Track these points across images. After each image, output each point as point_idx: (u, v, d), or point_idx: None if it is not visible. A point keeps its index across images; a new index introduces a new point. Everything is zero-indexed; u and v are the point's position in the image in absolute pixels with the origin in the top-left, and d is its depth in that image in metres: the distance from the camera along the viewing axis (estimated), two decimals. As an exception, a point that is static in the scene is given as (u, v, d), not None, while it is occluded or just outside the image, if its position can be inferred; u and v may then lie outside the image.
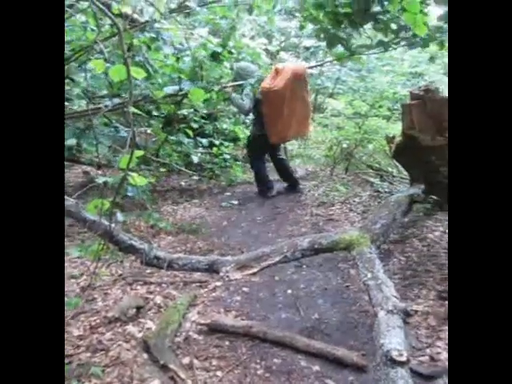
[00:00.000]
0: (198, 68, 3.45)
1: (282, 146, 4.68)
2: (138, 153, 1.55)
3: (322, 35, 3.34)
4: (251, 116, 4.35)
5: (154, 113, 4.18)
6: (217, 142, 4.65)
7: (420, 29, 2.32)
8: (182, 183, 4.85)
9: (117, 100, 3.22)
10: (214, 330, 2.10)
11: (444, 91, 2.07)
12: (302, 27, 3.54)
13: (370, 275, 1.81)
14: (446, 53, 5.73)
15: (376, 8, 2.61)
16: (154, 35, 3.09)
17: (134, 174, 1.64)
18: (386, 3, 2.55)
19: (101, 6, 1.52)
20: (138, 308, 2.26)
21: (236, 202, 4.19)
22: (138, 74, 1.40)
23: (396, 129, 3.70)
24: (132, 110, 1.41)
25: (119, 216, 2.77)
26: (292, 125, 3.93)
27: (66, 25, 2.94)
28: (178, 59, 3.53)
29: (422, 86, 2.02)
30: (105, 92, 3.57)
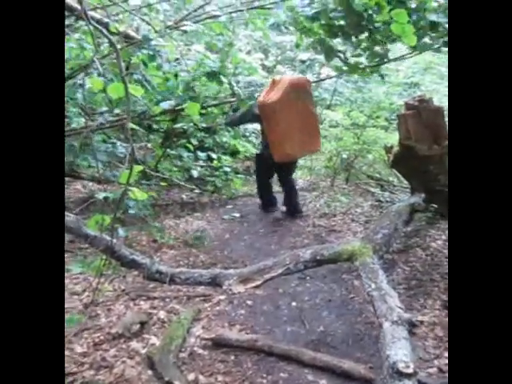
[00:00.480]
0: (194, 83, 3.46)
1: (295, 169, 4.30)
2: (138, 168, 1.56)
3: (318, 48, 3.37)
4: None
5: (155, 126, 4.21)
6: (215, 156, 4.66)
7: (409, 39, 2.30)
8: (184, 197, 4.85)
9: (114, 117, 3.25)
10: (218, 344, 2.08)
11: (439, 100, 2.09)
12: (297, 45, 3.54)
13: (373, 286, 1.81)
14: (440, 61, 5.81)
15: (368, 19, 2.62)
16: (151, 52, 3.11)
17: (135, 189, 1.65)
18: (374, 16, 2.55)
19: (97, 25, 1.55)
20: (142, 323, 2.24)
21: (238, 215, 4.19)
22: (136, 91, 1.42)
23: (394, 139, 3.71)
24: (131, 126, 1.42)
25: (121, 231, 2.78)
26: (296, 141, 3.56)
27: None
28: (176, 76, 3.57)
29: (417, 96, 2.04)
30: (104, 108, 3.60)
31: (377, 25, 2.62)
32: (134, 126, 1.57)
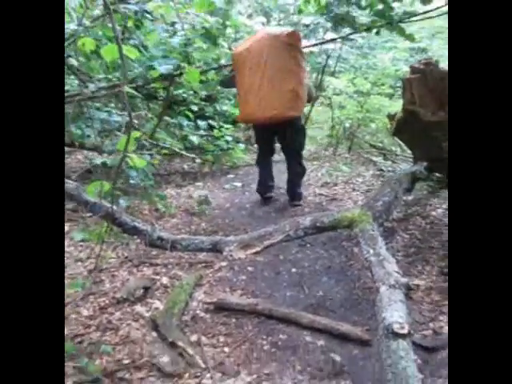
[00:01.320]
0: (190, 47, 3.32)
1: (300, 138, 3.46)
2: (136, 134, 1.55)
3: (325, 16, 3.23)
4: None
5: (153, 95, 4.14)
6: (216, 125, 4.61)
7: None
8: (185, 166, 4.86)
9: (110, 83, 3.19)
10: (220, 308, 2.13)
11: (446, 66, 2.04)
12: (300, 11, 3.41)
13: (372, 252, 1.83)
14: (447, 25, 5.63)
15: None
16: (145, 14, 2.99)
17: (133, 156, 1.65)
18: None
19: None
20: (146, 289, 2.29)
21: (239, 184, 4.20)
22: (131, 53, 1.39)
23: (398, 107, 3.64)
24: (127, 90, 1.40)
25: (122, 201, 2.79)
26: (262, 98, 2.98)
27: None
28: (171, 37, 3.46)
29: (423, 59, 1.99)
30: (99, 76, 3.53)
31: None
32: (131, 91, 1.55)
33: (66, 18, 2.93)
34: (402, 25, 3.31)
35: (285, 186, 3.66)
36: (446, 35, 5.62)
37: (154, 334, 1.94)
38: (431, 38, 5.59)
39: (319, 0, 3.04)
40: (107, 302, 2.20)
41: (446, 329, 1.92)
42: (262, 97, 2.97)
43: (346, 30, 3.48)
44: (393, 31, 3.04)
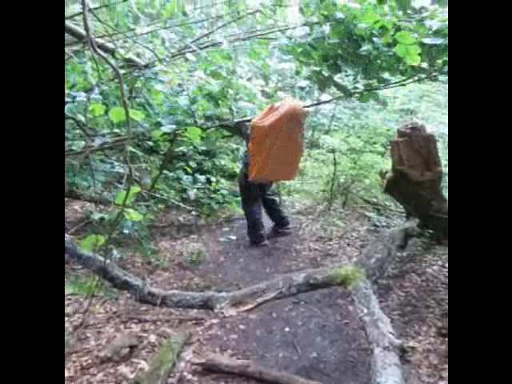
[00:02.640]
0: (194, 107, 3.52)
1: (274, 185, 4.41)
2: (134, 189, 1.58)
3: (314, 78, 3.44)
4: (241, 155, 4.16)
5: (154, 148, 4.26)
6: (213, 179, 4.69)
7: (412, 58, 2.33)
8: (181, 219, 4.86)
9: (114, 137, 3.30)
10: (209, 369, 2.05)
11: (435, 127, 2.13)
12: (297, 72, 3.62)
13: (365, 311, 1.79)
14: (435, 90, 5.92)
15: (366, 47, 2.67)
16: (152, 77, 3.20)
17: (130, 210, 1.66)
18: (375, 39, 2.59)
19: (101, 52, 1.60)
20: (132, 347, 2.21)
21: (234, 237, 4.18)
22: (137, 115, 1.45)
23: (390, 164, 3.75)
24: (130, 148, 1.45)
25: (115, 252, 2.77)
26: (276, 165, 3.65)
27: (69, 69, 3.07)
28: (176, 98, 3.64)
29: (409, 123, 2.08)
30: (104, 130, 3.66)
31: (374, 52, 2.66)
32: (133, 149, 1.60)
33: (81, 80, 3.11)
34: (392, 89, 3.52)
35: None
36: (431, 98, 5.90)
37: (138, 397, 1.85)
38: (419, 100, 5.85)
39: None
40: (90, 361, 2.11)
41: (445, 395, 1.84)
42: (278, 166, 3.66)
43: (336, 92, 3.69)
44: (370, 98, 3.29)
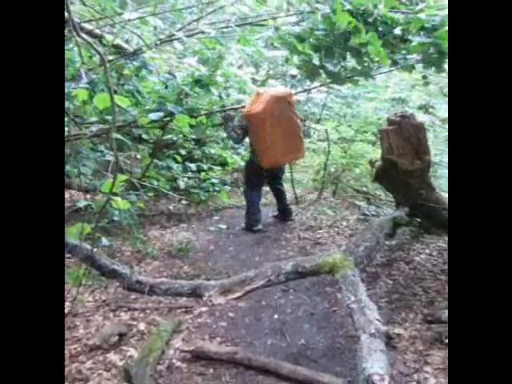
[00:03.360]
0: (183, 95, 3.49)
1: (284, 173, 4.54)
2: (122, 177, 1.56)
3: (304, 67, 3.43)
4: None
5: (144, 137, 4.21)
6: (205, 167, 4.66)
7: (383, 60, 2.45)
8: (171, 208, 4.84)
9: (104, 125, 3.26)
10: (197, 357, 2.06)
11: (425, 117, 2.13)
12: (287, 60, 3.60)
13: (353, 298, 1.81)
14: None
15: (355, 40, 2.69)
16: (140, 64, 3.15)
17: (118, 199, 1.65)
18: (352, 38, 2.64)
19: (86, 37, 1.56)
20: (121, 335, 2.21)
21: (224, 226, 4.18)
22: (123, 101, 1.43)
23: (380, 153, 3.76)
24: (115, 135, 1.43)
25: (104, 240, 2.75)
26: (281, 148, 3.78)
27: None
28: (166, 87, 3.59)
29: (399, 112, 2.08)
30: (93, 118, 3.60)
31: (355, 46, 2.70)
32: (119, 136, 1.57)
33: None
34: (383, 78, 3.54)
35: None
36: (423, 87, 5.91)
37: (127, 384, 1.85)
38: (411, 90, 5.86)
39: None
40: (79, 349, 2.11)
41: (430, 380, 1.87)
42: (284, 145, 3.76)
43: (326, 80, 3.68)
44: (350, 83, 3.35)
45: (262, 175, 4.11)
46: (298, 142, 3.96)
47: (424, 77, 3.38)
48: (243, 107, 3.84)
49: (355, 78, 3.08)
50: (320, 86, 4.23)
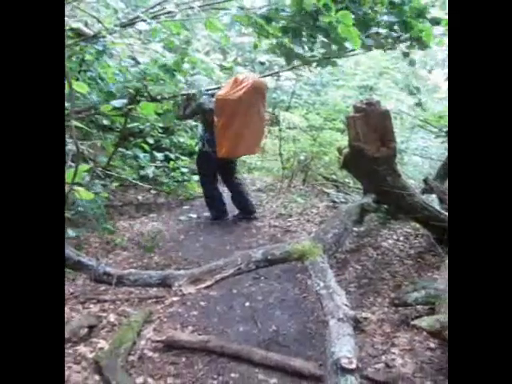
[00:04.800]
0: (147, 82, 3.39)
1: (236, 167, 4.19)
2: (84, 167, 1.51)
3: (277, 51, 3.41)
4: (200, 132, 4.04)
5: (106, 124, 4.08)
6: (173, 156, 4.58)
7: (354, 41, 2.40)
8: (139, 197, 4.75)
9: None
10: (169, 346, 2.05)
11: (394, 104, 2.17)
12: (255, 46, 3.55)
13: (322, 284, 1.85)
14: (393, 67, 6.05)
15: (324, 20, 2.65)
16: (101, 49, 3.03)
17: (80, 189, 1.60)
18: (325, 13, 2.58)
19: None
20: (91, 327, 2.17)
21: (194, 216, 4.15)
22: (82, 88, 1.37)
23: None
24: (75, 123, 1.37)
25: (70, 232, 2.68)
26: (244, 139, 3.63)
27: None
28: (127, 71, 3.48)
29: (365, 99, 2.11)
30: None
31: (325, 25, 2.66)
32: (79, 124, 1.51)
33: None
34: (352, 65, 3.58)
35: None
36: (390, 75, 6.04)
37: (97, 377, 1.82)
38: (378, 77, 5.96)
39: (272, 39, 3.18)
40: (47, 343, 2.05)
41: (398, 361, 1.95)
42: (247, 137, 3.64)
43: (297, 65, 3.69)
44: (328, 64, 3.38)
45: (214, 164, 3.85)
46: (260, 136, 3.88)
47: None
48: (209, 90, 3.75)
49: (325, 59, 3.05)
50: (290, 68, 4.20)
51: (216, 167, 3.90)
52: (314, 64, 3.49)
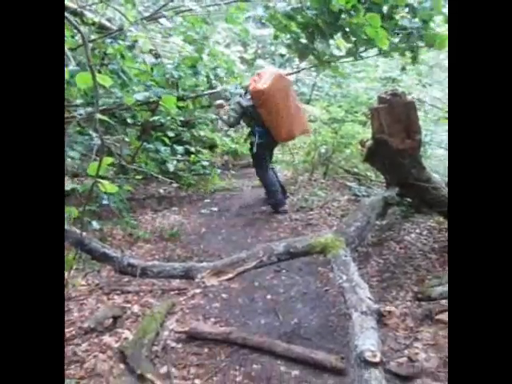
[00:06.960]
0: (171, 76, 3.42)
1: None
2: (108, 160, 1.52)
3: (293, 47, 3.40)
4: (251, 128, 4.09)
5: (129, 120, 4.12)
6: (193, 150, 4.60)
7: (381, 42, 2.42)
8: (161, 191, 4.80)
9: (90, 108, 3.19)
10: (192, 337, 2.08)
11: (417, 96, 2.12)
12: (275, 37, 3.56)
13: (344, 278, 1.83)
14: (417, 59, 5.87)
15: (344, 20, 2.66)
16: (126, 43, 3.07)
17: (105, 182, 1.61)
18: (353, 14, 2.59)
19: (67, 15, 1.50)
20: (115, 318, 2.22)
21: (216, 209, 4.17)
22: (105, 81, 1.38)
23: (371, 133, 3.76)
24: (99, 117, 1.39)
25: (95, 224, 2.73)
26: (295, 120, 3.85)
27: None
28: (152, 68, 3.51)
29: (389, 90, 2.06)
30: (78, 101, 3.52)
31: (353, 27, 2.67)
32: (103, 118, 1.53)
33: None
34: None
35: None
36: (414, 67, 5.87)
37: (122, 366, 1.87)
38: (403, 70, 5.81)
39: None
40: (74, 332, 2.11)
41: (421, 356, 1.92)
42: (296, 118, 3.86)
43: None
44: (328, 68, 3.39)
45: (268, 153, 4.09)
46: (304, 117, 4.06)
47: (413, 58, 3.38)
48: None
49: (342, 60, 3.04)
50: (309, 67, 4.19)
51: (271, 154, 4.20)
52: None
